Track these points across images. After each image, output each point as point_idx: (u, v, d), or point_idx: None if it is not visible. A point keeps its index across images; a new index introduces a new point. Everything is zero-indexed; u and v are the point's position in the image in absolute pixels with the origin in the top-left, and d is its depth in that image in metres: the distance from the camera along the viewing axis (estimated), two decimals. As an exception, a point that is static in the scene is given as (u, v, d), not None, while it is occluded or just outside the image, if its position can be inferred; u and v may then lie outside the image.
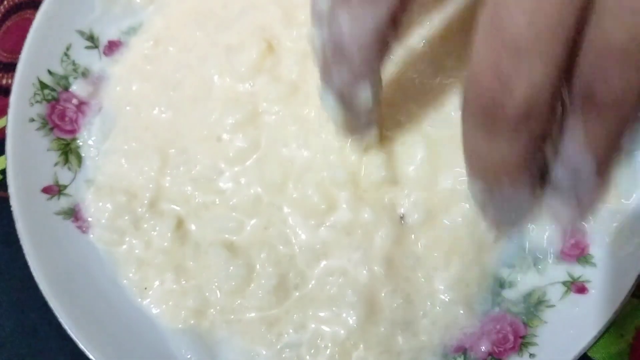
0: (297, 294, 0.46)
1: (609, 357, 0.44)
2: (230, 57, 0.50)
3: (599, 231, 0.44)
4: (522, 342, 0.43)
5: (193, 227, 0.48)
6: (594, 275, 0.43)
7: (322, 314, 0.45)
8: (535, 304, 0.44)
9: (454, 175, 0.45)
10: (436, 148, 0.46)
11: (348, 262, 0.45)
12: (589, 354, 0.43)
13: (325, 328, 0.45)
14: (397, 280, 0.45)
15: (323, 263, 0.46)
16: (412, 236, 0.45)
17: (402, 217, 0.46)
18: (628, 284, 0.41)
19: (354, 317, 0.44)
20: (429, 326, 0.44)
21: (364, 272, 0.45)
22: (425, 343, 0.44)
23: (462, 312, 0.44)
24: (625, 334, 0.45)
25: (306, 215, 0.46)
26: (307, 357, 0.44)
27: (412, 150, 0.46)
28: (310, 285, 0.46)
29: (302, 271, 0.46)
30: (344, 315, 0.44)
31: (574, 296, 0.43)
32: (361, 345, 0.44)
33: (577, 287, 0.43)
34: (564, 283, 0.44)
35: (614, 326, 0.42)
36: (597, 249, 0.44)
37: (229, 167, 0.48)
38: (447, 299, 0.44)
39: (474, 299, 0.45)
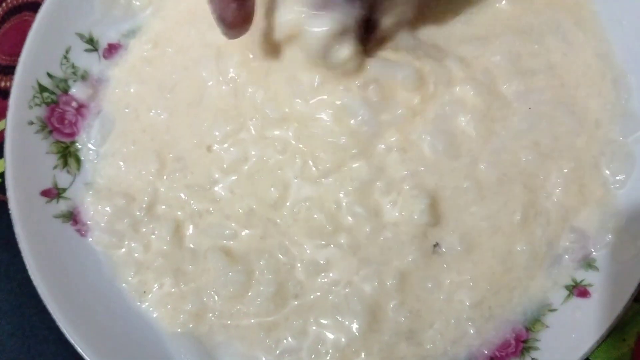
0: (296, 302, 0.45)
1: (610, 362, 0.44)
2: (218, 60, 0.49)
3: (602, 234, 0.44)
4: (523, 346, 0.43)
5: (190, 232, 0.48)
6: (597, 279, 0.43)
7: (323, 321, 0.44)
8: (537, 307, 0.44)
9: (518, 214, 0.44)
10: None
11: (356, 275, 0.45)
12: (590, 359, 0.42)
13: (326, 333, 0.44)
14: (409, 297, 0.44)
15: (325, 275, 0.45)
16: (444, 265, 0.44)
17: (435, 246, 0.45)
18: (630, 288, 0.40)
19: (357, 326, 0.43)
20: (435, 336, 0.44)
21: (375, 283, 0.44)
22: (429, 352, 0.43)
23: (472, 332, 0.43)
24: (627, 339, 0.44)
25: (309, 235, 0.45)
26: (307, 361, 0.44)
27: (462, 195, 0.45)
28: (311, 295, 0.45)
29: (301, 281, 0.45)
30: (347, 323, 0.44)
31: (576, 300, 0.43)
32: (362, 353, 0.44)
33: (580, 290, 0.43)
34: (567, 287, 0.44)
35: (615, 331, 0.41)
36: (600, 253, 0.43)
37: (223, 177, 0.48)
38: (464, 316, 0.43)
39: (492, 321, 0.44)
